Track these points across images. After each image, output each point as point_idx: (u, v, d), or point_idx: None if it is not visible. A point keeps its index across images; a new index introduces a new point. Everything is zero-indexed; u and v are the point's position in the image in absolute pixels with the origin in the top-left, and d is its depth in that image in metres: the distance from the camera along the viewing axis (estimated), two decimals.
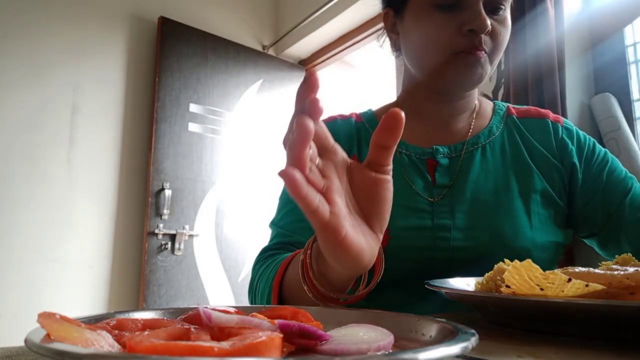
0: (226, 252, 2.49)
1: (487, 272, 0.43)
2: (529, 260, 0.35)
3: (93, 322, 0.25)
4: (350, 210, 0.36)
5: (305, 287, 0.44)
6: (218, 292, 2.42)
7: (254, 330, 0.21)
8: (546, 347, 0.31)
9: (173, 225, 2.30)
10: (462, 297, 0.40)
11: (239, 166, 2.59)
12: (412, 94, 0.72)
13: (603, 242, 0.67)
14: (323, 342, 0.23)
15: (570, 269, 0.39)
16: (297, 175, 0.29)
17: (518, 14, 1.59)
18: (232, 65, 2.63)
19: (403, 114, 0.35)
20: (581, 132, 0.70)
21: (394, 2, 0.68)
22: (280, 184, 0.47)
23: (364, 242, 0.36)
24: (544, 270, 0.35)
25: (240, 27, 2.82)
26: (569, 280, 0.32)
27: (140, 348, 0.18)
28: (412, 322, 0.28)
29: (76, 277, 2.13)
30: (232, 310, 0.27)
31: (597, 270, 0.37)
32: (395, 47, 0.72)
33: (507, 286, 0.35)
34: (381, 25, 0.73)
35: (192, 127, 2.43)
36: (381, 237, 0.39)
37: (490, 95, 1.75)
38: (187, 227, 2.34)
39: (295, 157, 0.30)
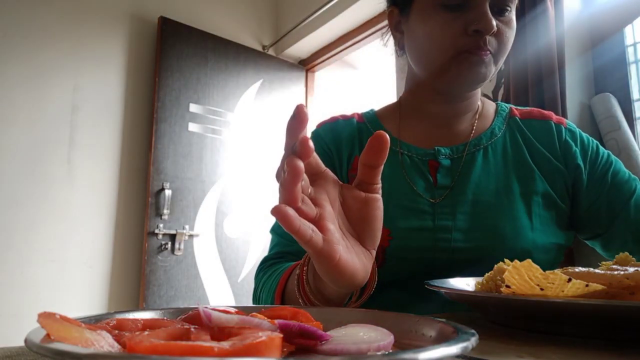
0: (226, 252, 2.49)
1: (488, 273, 0.43)
2: (529, 261, 0.35)
3: (93, 322, 0.25)
4: (343, 232, 0.39)
5: (300, 301, 0.47)
6: (218, 292, 2.42)
7: (254, 330, 0.21)
8: (546, 347, 0.31)
9: (173, 225, 2.30)
10: (462, 297, 0.40)
11: (239, 166, 2.59)
12: (415, 94, 0.72)
13: (607, 243, 0.66)
14: (323, 342, 0.23)
15: (570, 269, 0.39)
16: (289, 211, 0.32)
17: (518, 14, 1.58)
18: (232, 65, 2.63)
19: (387, 136, 0.37)
20: (584, 134, 0.70)
21: (400, 0, 0.68)
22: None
23: (357, 263, 0.38)
24: (545, 271, 0.35)
25: (240, 27, 2.82)
26: (569, 280, 0.32)
27: (140, 348, 0.18)
28: (412, 322, 0.28)
29: (76, 277, 2.13)
30: (232, 310, 0.27)
31: (597, 270, 0.36)
32: (399, 46, 0.72)
33: (507, 286, 0.35)
34: (383, 24, 0.74)
35: (192, 127, 2.43)
36: (374, 253, 0.42)
37: (490, 95, 1.75)
38: (187, 227, 2.34)
39: (286, 195, 0.33)
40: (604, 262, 0.45)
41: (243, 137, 2.63)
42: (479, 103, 0.72)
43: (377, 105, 0.79)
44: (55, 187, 2.12)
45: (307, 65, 2.97)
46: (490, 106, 0.74)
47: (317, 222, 0.36)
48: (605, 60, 1.61)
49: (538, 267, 0.35)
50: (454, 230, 0.61)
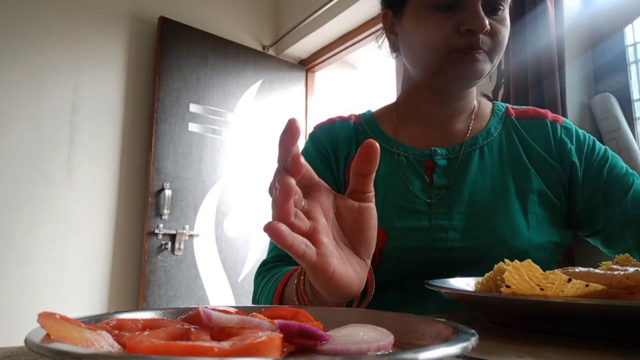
0: (226, 252, 2.49)
1: (485, 272, 0.43)
2: (529, 261, 0.35)
3: (93, 322, 0.25)
4: (337, 242, 0.39)
5: None
6: (218, 292, 2.42)
7: (254, 330, 0.21)
8: (546, 347, 0.31)
9: (173, 225, 2.30)
10: (462, 297, 0.40)
11: (239, 166, 2.59)
12: (411, 95, 0.72)
13: (606, 239, 0.66)
14: (323, 342, 0.23)
15: (570, 269, 0.39)
16: (281, 228, 0.32)
17: (518, 14, 1.59)
18: (232, 65, 2.63)
19: (377, 145, 0.38)
20: (580, 131, 0.70)
21: (393, 2, 0.69)
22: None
23: (352, 274, 0.39)
24: (543, 270, 0.35)
25: (240, 27, 2.82)
26: (569, 280, 0.32)
27: (140, 348, 0.18)
28: (412, 322, 0.28)
29: (76, 277, 2.13)
30: (232, 310, 0.27)
31: (597, 270, 0.36)
32: (394, 47, 0.72)
33: (507, 286, 0.35)
34: (381, 25, 0.73)
35: (192, 127, 2.43)
36: (369, 262, 0.42)
37: (490, 95, 1.75)
38: (187, 227, 2.34)
39: (279, 212, 0.33)
40: (604, 262, 0.45)
41: (243, 137, 2.63)
42: (475, 103, 0.73)
43: (377, 106, 0.79)
44: (55, 187, 2.12)
45: (307, 65, 2.97)
46: (487, 106, 0.74)
47: (311, 235, 0.36)
48: (605, 60, 1.61)
49: (538, 267, 0.35)
50: (451, 230, 0.61)
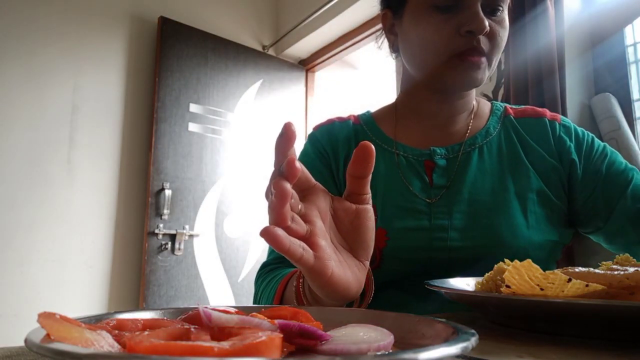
0: (226, 252, 2.49)
1: (485, 272, 0.43)
2: (529, 261, 0.35)
3: (93, 322, 0.25)
4: (335, 245, 0.39)
5: None
6: (218, 292, 2.42)
7: (254, 330, 0.21)
8: (546, 347, 0.31)
9: (173, 225, 2.30)
10: (462, 297, 0.40)
11: (239, 166, 2.59)
12: (410, 95, 0.72)
13: (609, 236, 0.66)
14: (323, 342, 0.23)
15: (570, 269, 0.39)
16: (278, 232, 0.32)
17: (518, 14, 1.59)
18: (232, 65, 2.63)
19: (372, 147, 0.38)
20: (579, 128, 0.70)
21: (393, 3, 0.69)
22: None
23: (350, 276, 0.39)
24: (543, 269, 0.35)
25: (240, 27, 2.82)
26: (569, 280, 0.32)
27: (140, 348, 0.18)
28: (412, 322, 0.28)
29: (76, 277, 2.13)
30: (232, 310, 0.27)
31: (597, 270, 0.36)
32: (394, 48, 0.72)
33: (507, 286, 0.35)
34: (381, 25, 0.73)
35: (192, 127, 2.43)
36: (367, 264, 0.42)
37: (490, 95, 1.75)
38: (187, 227, 2.34)
39: (275, 216, 0.33)
40: (604, 262, 0.45)
41: (243, 137, 2.63)
42: (474, 102, 0.73)
43: (378, 106, 0.79)
44: (55, 187, 2.12)
45: (307, 65, 2.97)
46: (485, 105, 0.74)
47: (308, 239, 0.36)
48: (605, 60, 1.61)
49: (538, 267, 0.35)
50: (451, 230, 0.61)
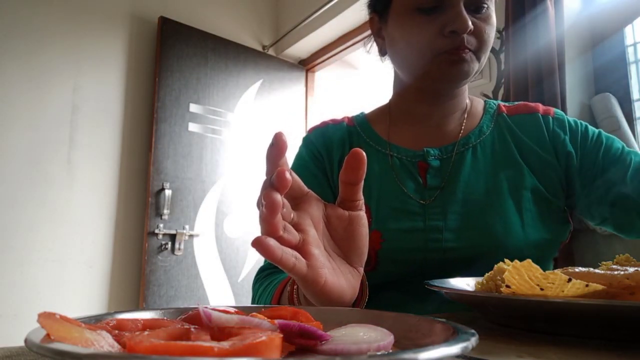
0: (226, 252, 2.49)
1: (481, 272, 0.43)
2: (529, 261, 0.35)
3: (93, 322, 0.25)
4: (329, 253, 0.39)
5: None
6: (218, 292, 2.42)
7: (254, 330, 0.21)
8: (546, 347, 0.31)
9: (173, 225, 2.30)
10: (462, 297, 0.40)
11: (239, 166, 2.59)
12: (402, 96, 0.73)
13: (618, 224, 0.65)
14: (323, 342, 0.23)
15: (570, 269, 0.39)
16: (270, 242, 0.32)
17: (518, 14, 1.59)
18: (232, 65, 2.63)
19: (363, 153, 0.38)
20: (572, 119, 0.69)
21: (378, 7, 0.69)
22: None
23: (344, 284, 0.39)
24: (540, 267, 0.35)
25: (240, 27, 2.82)
26: (569, 280, 0.32)
27: (140, 348, 0.18)
28: (412, 322, 0.28)
29: (76, 277, 2.13)
30: (232, 310, 0.27)
31: (597, 270, 0.36)
32: (382, 51, 0.72)
33: (507, 286, 0.35)
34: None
35: (192, 127, 2.43)
36: (361, 270, 0.42)
37: (490, 95, 1.75)
38: (187, 227, 2.34)
39: (266, 227, 0.34)
40: (603, 262, 0.45)
41: (243, 137, 2.63)
42: (467, 102, 0.72)
43: (377, 106, 0.79)
44: (55, 188, 2.12)
45: (307, 65, 2.97)
46: (479, 104, 0.74)
47: (301, 248, 0.36)
48: (605, 60, 1.61)
49: (538, 267, 0.35)
50: (445, 231, 0.61)
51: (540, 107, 0.70)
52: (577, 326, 0.33)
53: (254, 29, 2.90)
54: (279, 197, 0.33)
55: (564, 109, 1.46)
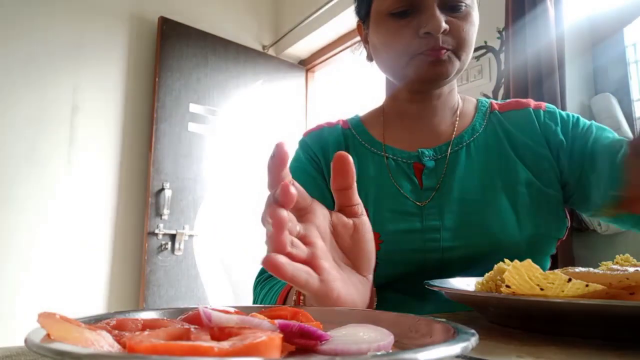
0: (226, 252, 2.49)
1: (479, 270, 0.43)
2: (529, 261, 0.35)
3: (93, 322, 0.25)
4: (337, 263, 0.38)
5: None
6: (218, 292, 2.42)
7: (254, 330, 0.21)
8: (546, 347, 0.31)
9: (173, 225, 2.30)
10: (462, 297, 0.40)
11: (239, 166, 2.59)
12: (393, 97, 0.73)
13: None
14: (323, 342, 0.23)
15: (570, 269, 0.39)
16: (280, 259, 0.31)
17: (518, 14, 1.59)
18: (232, 65, 2.63)
19: (348, 155, 0.37)
20: (564, 112, 0.69)
21: (361, 14, 0.71)
22: None
23: (356, 294, 0.38)
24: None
25: (240, 27, 2.82)
26: (569, 280, 0.32)
27: (140, 348, 0.18)
28: (412, 322, 0.28)
29: (76, 277, 2.13)
30: (232, 310, 0.27)
31: (597, 270, 0.36)
32: (369, 57, 0.74)
33: (507, 286, 0.35)
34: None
35: (192, 127, 2.43)
36: (370, 277, 0.41)
37: (491, 95, 1.75)
38: (187, 227, 2.34)
39: (274, 246, 0.32)
40: (603, 262, 0.45)
41: (243, 137, 2.63)
42: (459, 101, 0.73)
43: (372, 108, 0.80)
44: (55, 187, 2.12)
45: (307, 65, 2.97)
46: (470, 103, 0.74)
47: (311, 262, 0.35)
48: (605, 60, 1.61)
49: (538, 267, 0.35)
50: (443, 230, 0.62)
51: (532, 102, 0.70)
52: (577, 326, 0.33)
53: (254, 29, 2.90)
54: (285, 214, 0.32)
55: (563, 109, 1.46)
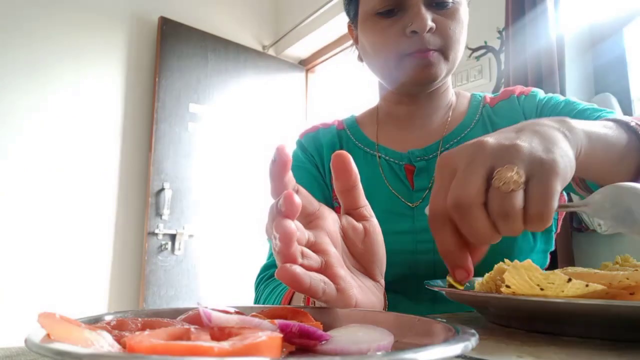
0: (226, 252, 2.49)
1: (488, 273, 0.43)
2: (529, 261, 0.35)
3: (93, 322, 0.25)
4: (351, 270, 0.36)
5: None
6: (218, 292, 2.42)
7: (254, 330, 0.21)
8: (546, 347, 0.31)
9: (173, 225, 2.30)
10: (462, 297, 0.40)
11: (239, 166, 2.59)
12: (385, 98, 0.73)
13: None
14: (323, 342, 0.23)
15: (570, 269, 0.39)
16: (297, 270, 0.29)
17: (518, 14, 1.59)
18: (232, 65, 2.63)
19: (346, 153, 0.36)
20: (549, 94, 0.67)
21: (350, 15, 0.71)
22: None
23: (374, 300, 0.36)
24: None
25: (240, 27, 2.82)
26: (569, 280, 0.32)
27: (140, 348, 0.18)
28: (412, 322, 0.28)
29: (76, 277, 2.13)
30: (232, 310, 0.27)
31: (597, 270, 0.36)
32: (359, 57, 0.74)
33: (507, 286, 0.35)
34: None
35: (192, 127, 2.43)
36: (383, 282, 0.40)
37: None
38: (187, 227, 2.34)
39: (283, 260, 0.30)
40: (603, 262, 0.45)
41: (243, 137, 2.63)
42: (453, 98, 0.72)
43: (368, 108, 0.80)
44: (54, 188, 2.12)
45: (307, 65, 2.97)
46: (464, 98, 0.73)
47: (325, 270, 0.33)
48: (605, 60, 1.61)
49: (538, 267, 0.35)
50: None
51: (518, 89, 0.69)
52: (577, 326, 0.33)
53: (254, 29, 2.90)
54: (291, 226, 0.29)
55: None
